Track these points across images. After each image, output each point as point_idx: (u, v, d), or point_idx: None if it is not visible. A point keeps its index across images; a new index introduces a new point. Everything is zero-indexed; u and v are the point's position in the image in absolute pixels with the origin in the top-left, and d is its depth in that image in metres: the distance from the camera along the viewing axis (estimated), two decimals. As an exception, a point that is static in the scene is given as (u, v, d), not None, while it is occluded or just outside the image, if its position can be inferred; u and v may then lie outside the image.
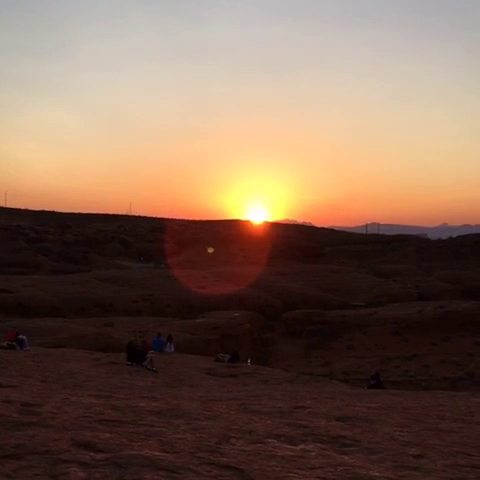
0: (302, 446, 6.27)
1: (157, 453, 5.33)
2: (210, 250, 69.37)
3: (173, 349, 31.01)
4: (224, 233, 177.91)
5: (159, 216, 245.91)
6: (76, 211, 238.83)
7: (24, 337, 26.75)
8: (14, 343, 25.85)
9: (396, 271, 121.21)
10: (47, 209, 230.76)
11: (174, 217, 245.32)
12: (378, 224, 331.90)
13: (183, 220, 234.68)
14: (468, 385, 47.73)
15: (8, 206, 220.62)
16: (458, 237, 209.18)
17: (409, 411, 11.18)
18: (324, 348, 64.34)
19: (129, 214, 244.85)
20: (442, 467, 5.86)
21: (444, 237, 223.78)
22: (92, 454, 5.12)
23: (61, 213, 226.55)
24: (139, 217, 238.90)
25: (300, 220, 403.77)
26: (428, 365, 56.66)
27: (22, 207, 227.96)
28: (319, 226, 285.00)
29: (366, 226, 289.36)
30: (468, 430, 8.90)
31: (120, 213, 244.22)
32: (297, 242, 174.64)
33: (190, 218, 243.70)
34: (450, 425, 9.36)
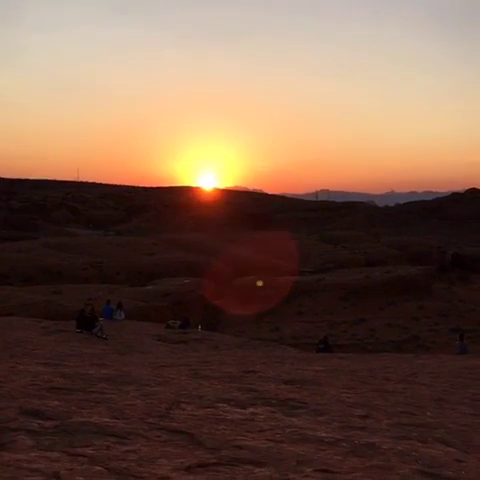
0: (251, 410, 6.36)
1: (106, 420, 5.32)
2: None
3: (123, 316, 30.87)
4: (174, 200, 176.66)
5: (108, 182, 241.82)
6: (22, 177, 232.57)
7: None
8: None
9: (345, 238, 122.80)
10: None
11: (123, 183, 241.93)
12: (328, 191, 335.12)
13: (132, 186, 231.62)
14: (412, 347, 49.20)
15: None
16: (405, 204, 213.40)
17: (356, 373, 11.46)
18: (274, 314, 65.09)
19: (77, 180, 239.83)
20: (387, 426, 6.05)
21: (391, 204, 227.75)
22: (40, 422, 5.07)
23: (6, 179, 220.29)
24: (87, 183, 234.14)
25: (251, 187, 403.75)
26: (374, 329, 58.04)
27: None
28: (270, 193, 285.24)
29: (316, 193, 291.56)
30: (412, 390, 9.19)
31: (68, 179, 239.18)
32: (248, 209, 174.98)
33: (139, 184, 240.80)
34: (395, 386, 9.64)
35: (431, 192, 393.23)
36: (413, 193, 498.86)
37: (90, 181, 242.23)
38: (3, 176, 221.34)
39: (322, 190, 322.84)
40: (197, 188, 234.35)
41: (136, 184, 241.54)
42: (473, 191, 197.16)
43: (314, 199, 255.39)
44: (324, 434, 5.41)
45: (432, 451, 5.17)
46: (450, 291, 70.58)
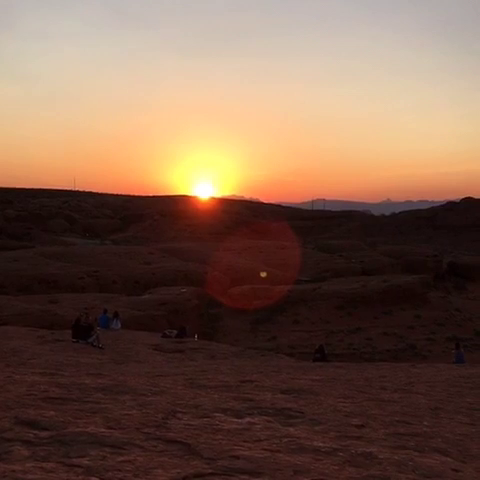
0: (248, 419, 6.34)
1: (102, 430, 5.30)
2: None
3: (119, 325, 30.81)
4: (171, 209, 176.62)
5: (104, 192, 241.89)
6: (18, 186, 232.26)
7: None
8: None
9: (341, 246, 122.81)
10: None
11: (120, 192, 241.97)
12: (324, 200, 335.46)
13: (129, 195, 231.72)
14: (409, 356, 49.22)
15: None
16: (400, 213, 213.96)
17: (352, 382, 11.44)
18: (270, 323, 65.03)
19: (74, 189, 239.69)
20: (383, 436, 6.04)
21: (387, 213, 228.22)
22: (36, 432, 5.05)
23: (2, 188, 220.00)
24: (84, 192, 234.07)
25: (247, 196, 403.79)
26: (371, 338, 58.05)
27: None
28: (266, 202, 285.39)
29: (312, 202, 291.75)
30: (408, 400, 9.18)
31: (64, 188, 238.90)
32: (244, 218, 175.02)
33: (136, 193, 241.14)
34: (391, 395, 9.62)
35: (427, 201, 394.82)
36: (409, 202, 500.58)
37: (87, 190, 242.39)
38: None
39: (318, 199, 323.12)
40: (194, 197, 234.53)
41: (133, 193, 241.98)
42: (468, 200, 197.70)
43: (310, 208, 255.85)
44: (321, 444, 5.40)
45: (429, 460, 5.16)
46: (446, 300, 70.69)
